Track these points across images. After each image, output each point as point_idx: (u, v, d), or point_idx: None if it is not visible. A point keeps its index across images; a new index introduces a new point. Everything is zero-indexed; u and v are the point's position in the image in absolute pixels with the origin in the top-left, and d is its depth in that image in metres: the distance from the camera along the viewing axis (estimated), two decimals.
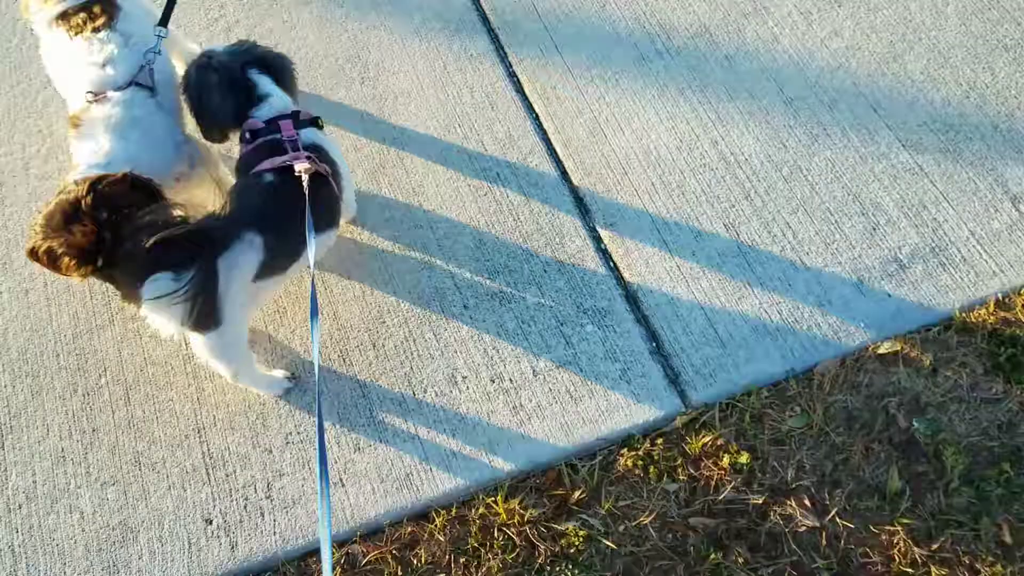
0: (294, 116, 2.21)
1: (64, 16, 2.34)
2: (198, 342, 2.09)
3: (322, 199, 2.13)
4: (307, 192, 2.02)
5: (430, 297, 2.52)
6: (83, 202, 1.89)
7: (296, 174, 2.05)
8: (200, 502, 2.25)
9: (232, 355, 2.19)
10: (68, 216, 1.90)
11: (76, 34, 2.31)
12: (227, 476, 2.28)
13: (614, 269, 2.54)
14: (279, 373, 2.42)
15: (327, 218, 2.22)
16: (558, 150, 2.75)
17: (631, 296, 2.50)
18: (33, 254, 1.95)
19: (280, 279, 2.20)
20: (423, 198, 2.68)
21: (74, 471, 2.31)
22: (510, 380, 2.39)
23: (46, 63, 2.44)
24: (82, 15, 2.32)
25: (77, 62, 2.28)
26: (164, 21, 2.41)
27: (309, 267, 1.99)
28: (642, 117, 2.79)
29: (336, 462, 2.29)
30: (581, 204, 2.65)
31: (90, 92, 2.24)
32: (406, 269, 2.57)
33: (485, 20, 3.02)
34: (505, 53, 2.95)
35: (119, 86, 2.25)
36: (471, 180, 2.71)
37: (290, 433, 2.33)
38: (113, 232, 1.91)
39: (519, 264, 2.56)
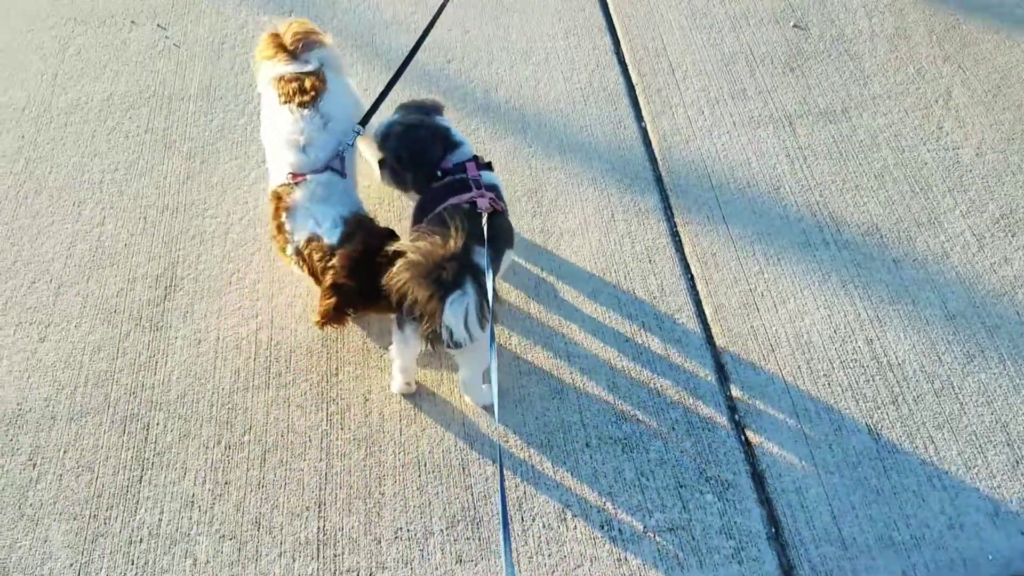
0: (475, 159, 2.58)
1: (281, 79, 2.63)
2: (472, 346, 2.31)
3: (503, 229, 2.50)
4: (486, 227, 2.35)
5: (555, 427, 2.59)
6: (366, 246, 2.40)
7: (479, 211, 2.38)
8: None
9: (486, 351, 2.46)
10: (358, 258, 2.38)
11: (285, 102, 2.59)
12: (334, 556, 2.36)
13: (745, 443, 2.54)
14: (486, 386, 2.59)
15: (507, 242, 2.57)
16: (707, 313, 2.82)
17: (758, 474, 2.48)
18: (336, 288, 2.39)
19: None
20: (568, 330, 2.79)
21: (199, 518, 2.45)
22: (619, 530, 2.39)
23: (262, 116, 2.75)
24: (295, 84, 2.60)
25: (281, 130, 2.57)
26: (364, 121, 2.68)
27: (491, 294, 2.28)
28: (799, 300, 2.83)
29: (436, 569, 2.33)
30: (722, 371, 2.69)
31: (290, 173, 2.52)
32: (537, 394, 2.66)
33: (659, 180, 3.18)
34: (672, 213, 3.09)
35: (316, 169, 2.52)
36: (617, 323, 2.80)
37: (400, 528, 2.40)
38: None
39: (648, 416, 2.60)
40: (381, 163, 2.69)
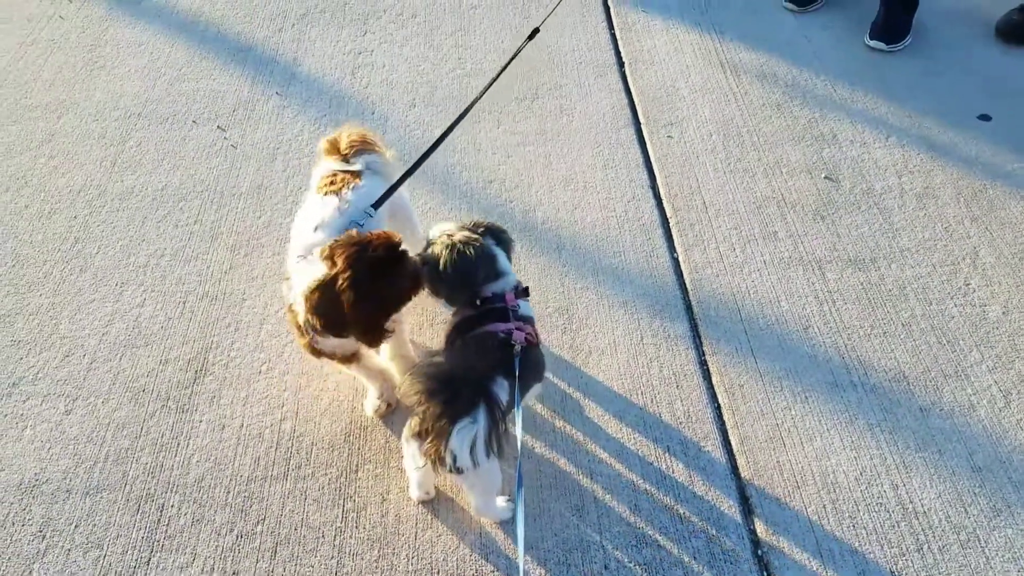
0: (515, 289, 2.56)
1: (324, 176, 2.69)
2: (475, 473, 2.27)
3: (535, 361, 2.51)
4: (517, 363, 2.33)
5: (574, 545, 2.53)
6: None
7: (513, 343, 2.38)
8: None
9: (497, 482, 2.47)
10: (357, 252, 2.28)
11: (316, 192, 2.66)
12: None
13: None
14: (502, 500, 2.58)
15: (537, 375, 2.58)
16: (733, 444, 2.81)
17: None
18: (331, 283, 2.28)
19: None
20: (592, 446, 2.78)
21: None
22: None
23: None
24: (330, 178, 2.67)
25: (302, 215, 2.60)
26: (378, 204, 2.70)
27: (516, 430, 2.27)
28: (825, 438, 2.82)
29: None
30: (746, 503, 2.65)
31: (299, 256, 2.49)
32: (557, 510, 2.62)
33: (689, 309, 3.24)
34: (701, 342, 3.13)
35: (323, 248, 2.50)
36: (641, 445, 2.79)
37: None
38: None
39: (670, 543, 2.55)
40: (423, 261, 2.56)
